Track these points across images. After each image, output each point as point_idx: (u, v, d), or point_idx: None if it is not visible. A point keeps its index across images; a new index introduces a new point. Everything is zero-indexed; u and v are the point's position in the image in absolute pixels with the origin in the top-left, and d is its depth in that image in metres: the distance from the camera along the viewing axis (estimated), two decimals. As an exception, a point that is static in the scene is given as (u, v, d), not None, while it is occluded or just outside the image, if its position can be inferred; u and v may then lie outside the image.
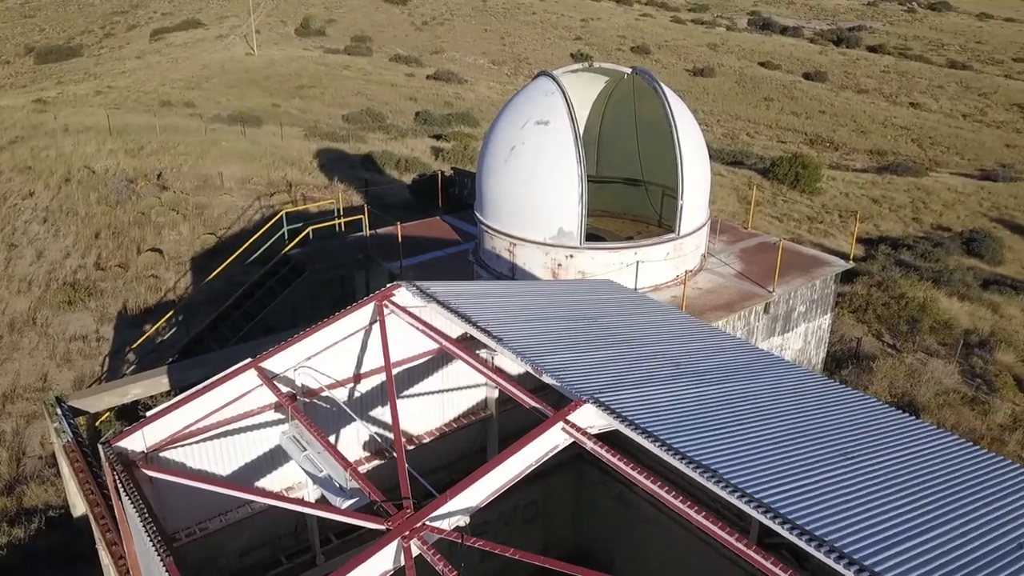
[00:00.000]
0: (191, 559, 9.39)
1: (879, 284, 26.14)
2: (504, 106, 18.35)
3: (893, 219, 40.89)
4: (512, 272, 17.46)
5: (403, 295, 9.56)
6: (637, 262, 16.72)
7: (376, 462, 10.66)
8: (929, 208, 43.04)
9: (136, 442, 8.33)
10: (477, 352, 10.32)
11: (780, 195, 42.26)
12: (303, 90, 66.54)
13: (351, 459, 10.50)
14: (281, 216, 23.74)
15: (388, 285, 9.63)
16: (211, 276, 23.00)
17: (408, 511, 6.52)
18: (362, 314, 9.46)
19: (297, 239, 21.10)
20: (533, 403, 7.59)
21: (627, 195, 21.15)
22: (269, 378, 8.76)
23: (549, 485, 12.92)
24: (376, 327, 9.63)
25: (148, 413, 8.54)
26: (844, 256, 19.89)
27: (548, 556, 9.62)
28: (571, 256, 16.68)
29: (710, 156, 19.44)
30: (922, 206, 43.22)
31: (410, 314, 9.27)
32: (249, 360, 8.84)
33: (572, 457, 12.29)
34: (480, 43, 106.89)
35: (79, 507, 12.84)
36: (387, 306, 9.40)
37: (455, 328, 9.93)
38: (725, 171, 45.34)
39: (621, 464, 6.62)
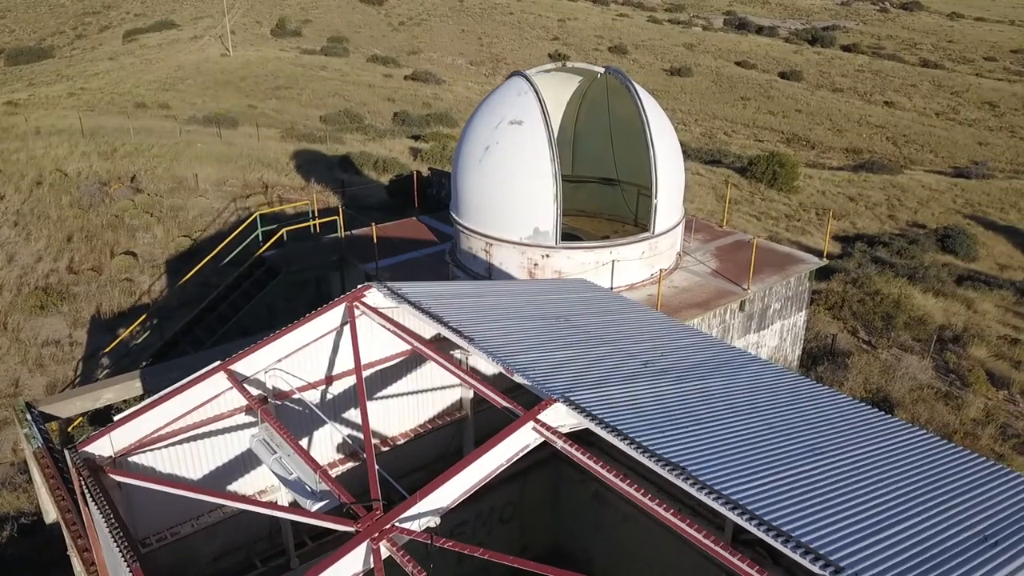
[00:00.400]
0: (163, 564, 9.30)
1: (854, 281, 26.34)
2: (478, 106, 18.32)
3: (869, 216, 41.26)
4: (489, 272, 17.44)
5: (374, 296, 9.50)
6: (613, 261, 16.76)
7: (350, 464, 10.60)
8: (904, 205, 43.48)
9: (103, 447, 8.23)
10: (451, 353, 10.30)
11: (758, 194, 42.51)
12: (279, 91, 66.18)
13: (325, 461, 10.47)
14: (255, 218, 23.56)
15: (359, 286, 9.57)
16: (184, 279, 22.79)
17: (378, 513, 6.49)
18: (333, 316, 9.40)
19: (271, 241, 20.95)
20: (504, 403, 7.57)
21: (603, 194, 21.19)
22: (239, 381, 8.68)
23: (527, 484, 12.90)
24: (348, 328, 9.57)
25: (116, 417, 8.44)
26: (819, 253, 20.04)
27: (526, 555, 9.52)
28: (547, 256, 16.68)
29: (688, 155, 19.59)
30: (897, 203, 43.65)
31: (381, 315, 9.22)
32: (218, 363, 8.76)
33: (549, 456, 12.29)
34: (457, 43, 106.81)
35: (51, 513, 12.67)
36: (358, 307, 9.34)
37: (428, 329, 9.89)
38: (703, 170, 45.55)
39: (590, 462, 6.62)
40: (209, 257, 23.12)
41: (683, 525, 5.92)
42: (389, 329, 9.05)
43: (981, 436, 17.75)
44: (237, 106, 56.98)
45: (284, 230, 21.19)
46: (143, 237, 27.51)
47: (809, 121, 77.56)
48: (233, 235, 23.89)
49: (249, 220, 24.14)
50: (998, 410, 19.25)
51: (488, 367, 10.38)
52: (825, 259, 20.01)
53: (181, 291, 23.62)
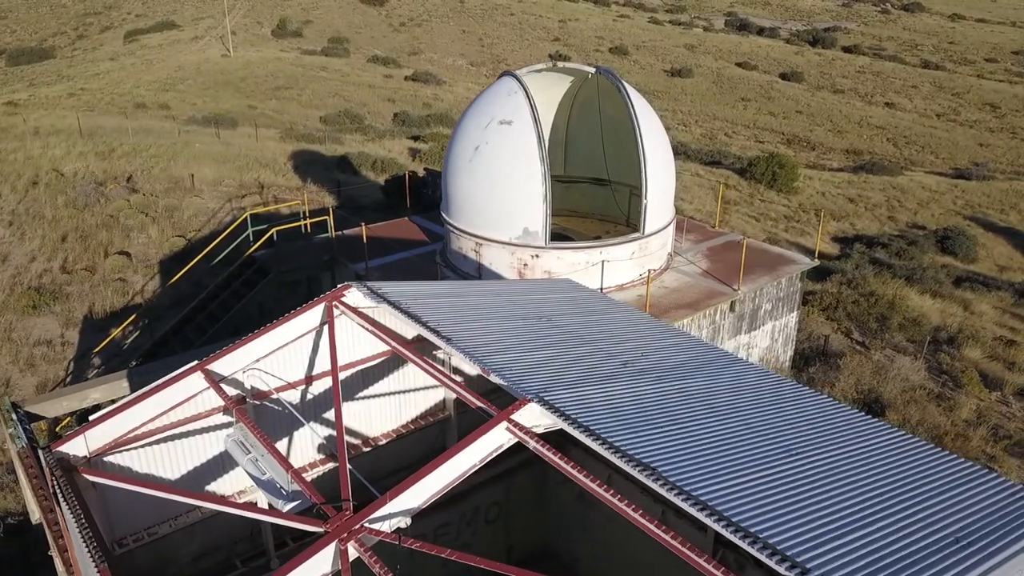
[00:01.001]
0: (141, 564, 9.25)
1: (849, 282, 26.26)
2: (468, 106, 18.29)
3: (869, 218, 41.15)
4: (479, 272, 17.39)
5: (354, 296, 9.45)
6: (603, 261, 16.70)
7: (330, 465, 10.55)
8: (904, 207, 43.35)
9: (78, 446, 8.19)
10: (434, 353, 10.25)
11: (757, 195, 42.40)
12: (280, 91, 66.19)
13: (305, 462, 10.43)
14: (246, 218, 23.53)
15: (339, 285, 9.53)
16: (175, 279, 22.78)
17: (347, 513, 6.44)
18: (312, 315, 9.35)
19: (260, 240, 20.92)
20: (479, 403, 7.53)
21: (594, 195, 21.13)
22: (216, 381, 8.63)
23: (512, 484, 12.84)
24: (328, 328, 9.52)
25: (91, 417, 8.40)
26: (813, 254, 19.97)
27: (513, 556, 9.36)
28: (537, 256, 16.64)
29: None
30: (897, 205, 43.53)
31: (361, 315, 9.17)
32: (195, 363, 8.71)
33: (534, 455, 12.22)
34: (458, 44, 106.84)
35: (36, 513, 12.65)
36: (337, 307, 9.30)
37: (409, 329, 9.84)
38: (703, 171, 45.47)
39: (561, 462, 6.57)
40: (200, 257, 23.10)
41: (651, 526, 5.87)
42: (368, 329, 9.01)
43: (972, 437, 17.66)
44: (237, 106, 57.01)
45: (274, 230, 21.16)
46: (138, 237, 27.49)
47: (809, 122, 77.45)
48: (223, 235, 23.86)
49: (240, 220, 24.10)
50: (990, 411, 19.17)
51: (469, 368, 10.33)
52: (817, 260, 19.95)
53: (173, 291, 23.60)
